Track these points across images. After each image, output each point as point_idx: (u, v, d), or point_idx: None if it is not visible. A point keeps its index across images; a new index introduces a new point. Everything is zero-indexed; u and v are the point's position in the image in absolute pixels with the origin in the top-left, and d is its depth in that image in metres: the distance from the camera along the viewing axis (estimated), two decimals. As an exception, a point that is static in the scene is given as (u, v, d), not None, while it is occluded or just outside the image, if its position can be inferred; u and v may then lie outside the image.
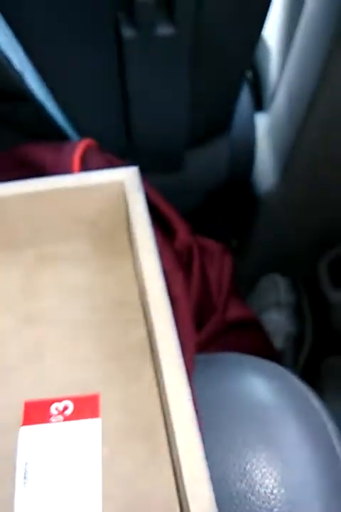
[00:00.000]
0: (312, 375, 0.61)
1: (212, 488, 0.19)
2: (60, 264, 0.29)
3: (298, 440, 0.31)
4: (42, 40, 0.41)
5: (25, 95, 0.37)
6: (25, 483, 0.23)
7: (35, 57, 0.41)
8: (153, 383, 0.25)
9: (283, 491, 0.30)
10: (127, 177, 0.27)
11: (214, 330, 0.38)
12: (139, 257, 0.24)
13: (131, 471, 0.23)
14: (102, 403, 0.25)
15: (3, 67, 0.32)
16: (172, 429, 0.20)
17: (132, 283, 0.28)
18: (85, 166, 0.34)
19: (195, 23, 0.44)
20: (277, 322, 0.63)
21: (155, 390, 0.25)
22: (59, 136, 0.46)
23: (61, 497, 0.23)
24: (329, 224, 0.63)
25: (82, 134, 0.48)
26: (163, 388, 0.21)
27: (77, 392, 0.25)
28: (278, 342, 0.62)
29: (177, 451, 0.20)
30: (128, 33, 0.44)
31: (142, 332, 0.27)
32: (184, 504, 0.20)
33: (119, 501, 0.22)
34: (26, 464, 0.24)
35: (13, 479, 0.23)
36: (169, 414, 0.20)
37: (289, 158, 0.59)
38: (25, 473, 0.23)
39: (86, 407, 0.25)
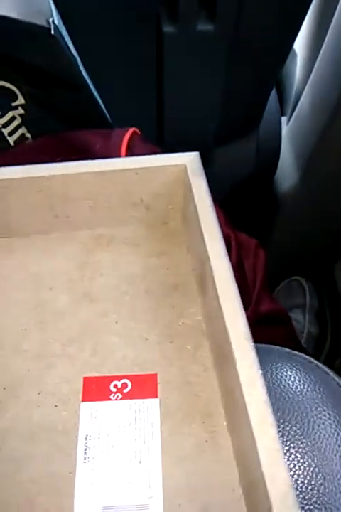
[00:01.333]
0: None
1: (289, 474, 0.19)
2: (116, 245, 0.29)
3: (337, 432, 0.32)
4: (88, 33, 0.42)
5: (79, 83, 0.37)
6: (85, 458, 0.23)
7: (81, 49, 0.41)
8: (210, 365, 0.25)
9: (321, 481, 0.30)
10: (189, 161, 0.27)
11: (248, 321, 0.38)
12: (204, 239, 0.24)
13: (190, 451, 0.24)
14: (160, 383, 0.25)
15: (62, 52, 0.33)
16: (244, 410, 0.20)
17: (186, 268, 0.29)
18: (131, 153, 0.35)
19: (234, 22, 0.44)
20: (301, 323, 0.64)
21: (212, 371, 0.25)
22: (103, 126, 0.46)
23: (121, 474, 0.23)
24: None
25: (118, 125, 0.49)
26: (234, 373, 0.21)
27: (136, 372, 0.25)
28: (301, 342, 0.63)
29: (252, 435, 0.20)
30: (168, 28, 0.44)
31: (198, 315, 0.27)
32: (256, 486, 0.20)
33: (179, 481, 0.23)
34: (87, 439, 0.24)
35: (74, 454, 0.23)
36: (242, 398, 0.21)
37: (310, 162, 0.60)
38: (85, 450, 0.24)
39: (144, 386, 0.25)
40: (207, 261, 0.24)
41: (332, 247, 0.65)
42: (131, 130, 0.36)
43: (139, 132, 0.38)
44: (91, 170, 0.26)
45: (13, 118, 0.40)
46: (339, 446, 0.31)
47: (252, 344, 0.22)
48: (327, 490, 0.30)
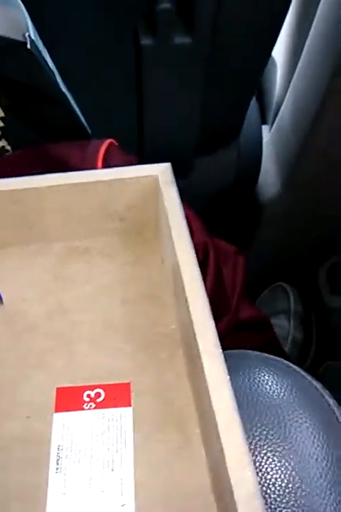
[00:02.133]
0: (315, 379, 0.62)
1: (256, 476, 0.20)
2: (91, 256, 0.30)
3: (314, 436, 0.32)
4: (67, 47, 0.42)
5: (55, 96, 0.37)
6: (57, 469, 0.24)
7: (60, 63, 0.42)
8: (184, 373, 0.26)
9: (298, 484, 0.30)
10: (161, 172, 0.28)
11: (227, 328, 0.39)
12: (175, 248, 0.25)
13: (163, 459, 0.24)
14: (134, 391, 0.25)
15: (39, 66, 0.33)
16: (212, 416, 0.21)
17: (160, 277, 0.29)
18: (107, 165, 0.35)
19: (211, 34, 0.45)
20: (286, 329, 0.65)
21: (185, 379, 0.26)
22: (81, 137, 0.46)
23: (93, 483, 0.23)
24: (329, 232, 0.65)
25: (97, 136, 0.49)
26: (203, 380, 0.22)
27: (110, 381, 0.26)
28: (286, 347, 0.64)
29: (219, 441, 0.20)
30: (146, 41, 0.45)
31: (172, 323, 0.27)
32: (225, 491, 0.20)
33: (152, 489, 0.23)
34: (59, 450, 0.24)
35: (46, 464, 0.23)
36: (210, 404, 0.21)
37: (292, 170, 0.61)
38: (57, 460, 0.24)
39: (118, 395, 0.25)
40: (178, 271, 0.24)
41: (316, 253, 0.66)
42: (107, 141, 0.37)
43: (116, 143, 0.38)
44: (65, 182, 0.27)
45: (-7, 131, 0.41)
46: (315, 449, 0.32)
47: (220, 351, 0.22)
48: (304, 493, 0.30)
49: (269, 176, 0.65)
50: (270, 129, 0.69)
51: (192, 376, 0.25)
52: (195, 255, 0.25)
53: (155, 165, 0.28)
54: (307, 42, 0.56)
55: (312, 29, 0.56)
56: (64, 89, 0.43)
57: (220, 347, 0.23)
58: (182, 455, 0.24)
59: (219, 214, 0.69)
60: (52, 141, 0.38)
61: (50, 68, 0.39)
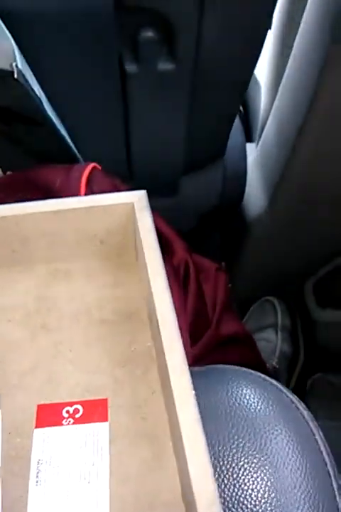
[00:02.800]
0: (302, 392, 0.64)
1: (216, 484, 0.21)
2: (72, 278, 0.31)
3: (288, 447, 0.33)
4: (55, 73, 0.45)
5: (41, 120, 0.39)
6: (37, 482, 0.25)
7: (48, 87, 0.44)
8: (157, 389, 0.27)
9: (273, 494, 0.32)
10: (136, 199, 0.30)
11: (208, 344, 0.40)
12: (148, 273, 0.26)
13: (137, 471, 0.25)
14: (111, 407, 0.27)
15: (26, 94, 0.35)
16: (178, 431, 0.22)
17: (138, 296, 0.31)
18: (90, 189, 0.37)
19: (194, 60, 0.48)
20: (273, 342, 0.66)
21: (159, 394, 0.27)
22: (67, 158, 0.48)
23: (71, 495, 0.24)
24: (314, 247, 0.67)
25: (87, 158, 0.51)
26: (170, 394, 0.23)
27: (88, 397, 0.27)
28: (274, 361, 0.65)
29: (183, 452, 0.22)
30: (131, 67, 0.47)
31: (148, 341, 0.29)
32: (190, 500, 0.22)
33: (126, 500, 0.24)
34: (39, 464, 0.25)
35: (27, 478, 0.25)
36: (176, 417, 0.23)
37: (277, 187, 0.63)
38: (37, 473, 0.25)
39: (95, 410, 0.27)
40: (151, 294, 0.26)
41: (302, 268, 0.68)
42: (90, 165, 0.38)
43: (99, 167, 0.40)
44: (45, 210, 0.29)
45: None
46: (290, 459, 0.33)
47: (187, 368, 0.24)
48: (279, 502, 0.32)
49: (256, 193, 0.67)
50: (256, 148, 0.71)
51: (164, 391, 0.27)
52: (166, 280, 0.26)
53: (131, 193, 0.30)
54: (288, 64, 0.58)
55: (293, 51, 0.58)
56: (51, 114, 0.45)
57: (187, 365, 0.24)
58: (155, 467, 0.25)
59: (207, 230, 0.70)
60: (40, 165, 0.40)
61: (36, 95, 0.41)
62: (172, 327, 0.25)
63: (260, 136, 0.68)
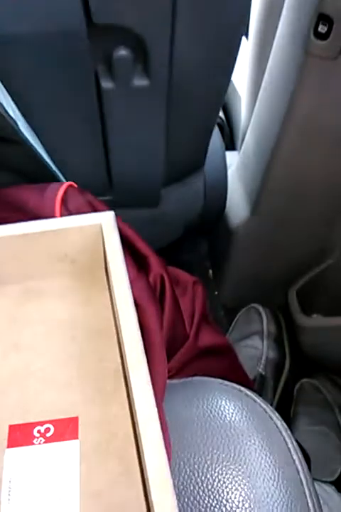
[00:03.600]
0: (289, 398, 0.64)
1: (175, 497, 0.22)
2: (44, 297, 0.32)
3: (261, 457, 0.34)
4: (31, 92, 0.45)
5: (17, 139, 0.40)
6: (9, 500, 0.25)
7: (25, 106, 0.44)
8: (126, 405, 0.28)
9: (247, 504, 0.32)
10: (104, 220, 0.30)
11: (186, 356, 0.41)
12: (114, 292, 0.27)
13: (105, 486, 0.26)
14: (82, 424, 0.27)
15: (1, 116, 0.36)
16: (141, 448, 0.23)
17: (108, 313, 0.31)
18: (66, 207, 0.38)
19: (168, 75, 0.48)
20: (260, 349, 0.67)
21: (127, 411, 0.28)
22: (45, 175, 0.49)
23: (42, 512, 0.25)
24: (297, 254, 0.67)
25: (67, 173, 0.52)
26: (135, 412, 0.24)
27: (59, 415, 0.28)
28: (260, 368, 0.66)
29: (145, 467, 0.23)
30: (107, 84, 0.48)
31: (117, 358, 0.30)
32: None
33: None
34: (10, 483, 0.26)
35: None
36: (139, 435, 0.23)
37: (258, 194, 0.64)
38: (9, 492, 0.26)
39: (66, 429, 0.27)
40: (116, 312, 0.27)
41: (286, 275, 0.69)
42: (65, 185, 0.39)
43: (75, 185, 0.41)
44: (14, 233, 0.29)
45: None
46: (263, 469, 0.34)
47: (150, 387, 0.25)
48: None
49: (238, 201, 0.68)
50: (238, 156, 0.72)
51: (130, 408, 0.27)
52: (131, 298, 0.27)
53: (99, 214, 0.31)
54: (264, 77, 0.59)
55: (269, 62, 0.59)
56: (28, 133, 0.45)
57: (150, 383, 0.25)
58: (124, 483, 0.26)
59: (193, 239, 0.71)
60: (16, 185, 0.41)
61: (11, 117, 0.42)
62: (137, 347, 0.25)
63: (241, 144, 0.69)
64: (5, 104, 0.41)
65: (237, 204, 0.68)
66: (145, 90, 0.49)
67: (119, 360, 0.30)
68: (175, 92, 0.50)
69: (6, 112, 0.41)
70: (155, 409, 0.24)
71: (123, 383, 0.29)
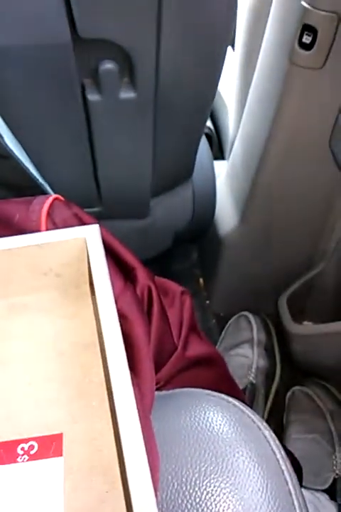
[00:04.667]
0: (281, 405, 0.64)
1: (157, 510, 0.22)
2: (29, 312, 0.32)
3: (250, 468, 0.34)
4: (18, 105, 0.46)
5: (4, 153, 0.40)
6: (-8, 520, 0.25)
7: (12, 119, 0.45)
8: (111, 421, 0.28)
9: (235, 515, 0.32)
10: (88, 234, 0.30)
11: (174, 367, 0.41)
12: (98, 307, 0.27)
13: (90, 504, 0.25)
14: (66, 441, 0.27)
15: None
16: (124, 465, 0.23)
17: (94, 329, 0.31)
18: (52, 221, 0.38)
19: (154, 87, 0.49)
20: (250, 358, 0.67)
21: (112, 427, 0.28)
22: (33, 188, 0.49)
23: (26, 532, 0.25)
24: (287, 262, 0.68)
25: (55, 186, 0.52)
26: (117, 428, 0.24)
27: (43, 432, 0.27)
28: (251, 376, 0.66)
29: (129, 485, 0.23)
30: (93, 97, 0.48)
31: (101, 373, 0.29)
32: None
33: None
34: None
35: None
36: (122, 452, 0.23)
37: (246, 203, 0.64)
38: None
39: (50, 446, 0.27)
40: (99, 327, 0.27)
41: (275, 282, 0.69)
42: (51, 198, 0.39)
43: (62, 198, 0.41)
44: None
45: None
46: (251, 481, 0.33)
47: (134, 403, 0.24)
48: (242, 525, 0.32)
49: (227, 209, 0.69)
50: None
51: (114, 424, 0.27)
52: (115, 314, 0.27)
53: (83, 227, 0.31)
54: (250, 91, 0.60)
55: (255, 73, 0.60)
56: (15, 147, 0.46)
57: (134, 399, 0.25)
58: (108, 499, 0.26)
59: (182, 249, 0.71)
60: (3, 199, 0.41)
61: None
62: (121, 362, 0.25)
63: (230, 154, 0.69)
64: None
65: (226, 213, 0.68)
66: (131, 102, 0.49)
67: (104, 375, 0.29)
68: (162, 104, 0.51)
69: None
70: (139, 426, 0.24)
71: (107, 399, 0.29)
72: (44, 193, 0.51)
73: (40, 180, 0.49)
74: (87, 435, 0.28)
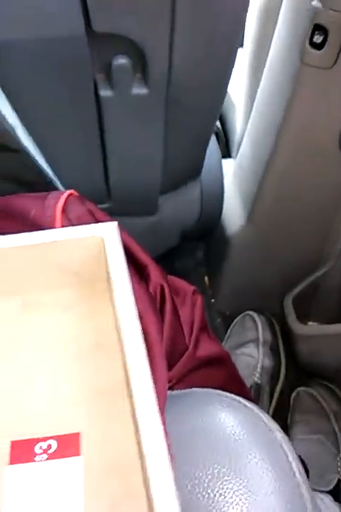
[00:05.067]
0: (286, 406, 0.64)
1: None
2: (45, 311, 0.31)
3: (262, 471, 0.34)
4: (30, 99, 0.45)
5: (16, 147, 0.40)
6: (10, 519, 0.25)
7: (24, 113, 0.44)
8: (130, 422, 0.27)
9: (249, 518, 0.32)
10: (107, 232, 0.30)
11: (185, 367, 0.41)
12: (116, 305, 0.27)
13: (109, 506, 0.25)
14: (84, 441, 0.27)
15: None
16: (145, 466, 0.23)
17: (111, 328, 0.31)
18: (66, 217, 0.37)
19: (166, 84, 0.48)
20: (255, 357, 0.67)
21: (131, 428, 0.27)
22: (44, 183, 0.49)
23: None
24: (293, 262, 0.68)
25: (65, 181, 0.52)
26: (138, 430, 0.24)
27: (62, 432, 0.27)
28: (256, 376, 0.66)
29: (150, 488, 0.22)
30: (105, 92, 0.48)
31: (120, 373, 0.29)
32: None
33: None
34: (11, 502, 0.25)
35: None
36: (142, 452, 0.23)
37: (254, 202, 0.64)
38: (10, 511, 0.25)
39: (68, 445, 0.27)
40: (119, 326, 0.26)
41: (282, 282, 0.69)
42: (66, 193, 0.39)
43: (76, 194, 0.40)
44: (14, 244, 0.29)
45: None
46: (263, 483, 0.33)
47: (155, 402, 0.24)
48: (254, 527, 0.32)
49: (234, 208, 0.68)
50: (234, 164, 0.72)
51: (136, 423, 0.27)
52: (135, 310, 0.27)
53: (101, 225, 0.31)
54: (261, 85, 0.60)
55: (264, 73, 0.60)
56: (27, 140, 0.45)
57: (156, 399, 0.24)
58: (126, 502, 0.25)
59: (189, 247, 0.71)
60: (14, 194, 0.40)
61: (9, 123, 0.41)
62: (141, 361, 0.25)
63: (237, 153, 0.69)
64: (3, 111, 0.40)
65: (233, 212, 0.68)
66: (144, 99, 0.49)
67: (123, 375, 0.29)
68: (174, 101, 0.50)
69: (5, 118, 0.40)
70: (161, 427, 0.23)
71: (126, 399, 0.28)
72: (55, 188, 0.50)
73: (51, 175, 0.49)
74: (105, 436, 0.27)
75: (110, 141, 0.51)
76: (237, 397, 0.38)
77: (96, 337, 0.31)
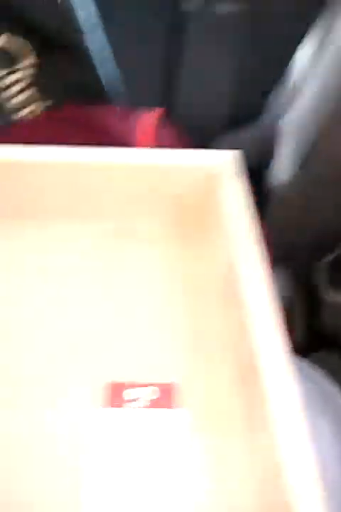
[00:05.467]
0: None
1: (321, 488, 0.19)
2: (138, 241, 0.27)
3: (330, 438, 0.33)
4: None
5: (82, 50, 0.35)
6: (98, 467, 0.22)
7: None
8: (235, 376, 0.25)
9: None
10: (227, 161, 0.26)
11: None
12: (236, 245, 0.23)
13: (214, 463, 0.23)
14: (184, 393, 0.24)
15: (68, 23, 0.33)
16: (272, 423, 0.20)
17: (215, 271, 0.27)
18: (159, 139, 0.32)
19: (253, 3, 0.43)
20: None
21: (236, 382, 0.25)
22: (106, 95, 0.43)
23: (149, 485, 0.22)
24: (333, 226, 0.65)
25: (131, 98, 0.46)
26: (260, 384, 0.21)
27: (162, 380, 0.24)
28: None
29: (279, 448, 0.20)
30: (188, 7, 0.42)
31: (223, 323, 0.26)
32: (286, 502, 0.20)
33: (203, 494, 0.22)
34: (104, 446, 0.23)
35: (88, 460, 0.22)
36: (266, 410, 0.20)
37: (306, 158, 0.60)
38: (101, 456, 0.23)
39: (169, 395, 0.24)
40: (238, 268, 0.23)
41: (316, 245, 0.66)
42: (156, 112, 0.33)
43: (165, 114, 0.35)
44: (111, 161, 0.24)
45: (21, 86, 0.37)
46: (333, 451, 0.32)
47: (287, 358, 0.21)
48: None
49: (284, 160, 0.64)
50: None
51: (245, 381, 0.24)
52: (261, 255, 0.23)
53: (219, 152, 0.26)
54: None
55: None
56: (97, 46, 0.39)
57: (287, 353, 0.21)
58: (228, 458, 0.23)
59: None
60: (89, 105, 0.35)
61: (79, 25, 0.36)
62: (268, 308, 0.22)
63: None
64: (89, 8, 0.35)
65: (283, 163, 0.64)
66: (228, 16, 0.43)
67: (225, 326, 0.26)
68: (259, 21, 0.45)
69: (76, 16, 0.35)
70: (294, 385, 0.21)
71: (231, 353, 0.25)
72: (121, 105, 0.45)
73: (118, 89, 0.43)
74: (206, 389, 0.25)
75: (185, 61, 0.46)
76: (302, 363, 0.36)
77: (196, 279, 0.27)
